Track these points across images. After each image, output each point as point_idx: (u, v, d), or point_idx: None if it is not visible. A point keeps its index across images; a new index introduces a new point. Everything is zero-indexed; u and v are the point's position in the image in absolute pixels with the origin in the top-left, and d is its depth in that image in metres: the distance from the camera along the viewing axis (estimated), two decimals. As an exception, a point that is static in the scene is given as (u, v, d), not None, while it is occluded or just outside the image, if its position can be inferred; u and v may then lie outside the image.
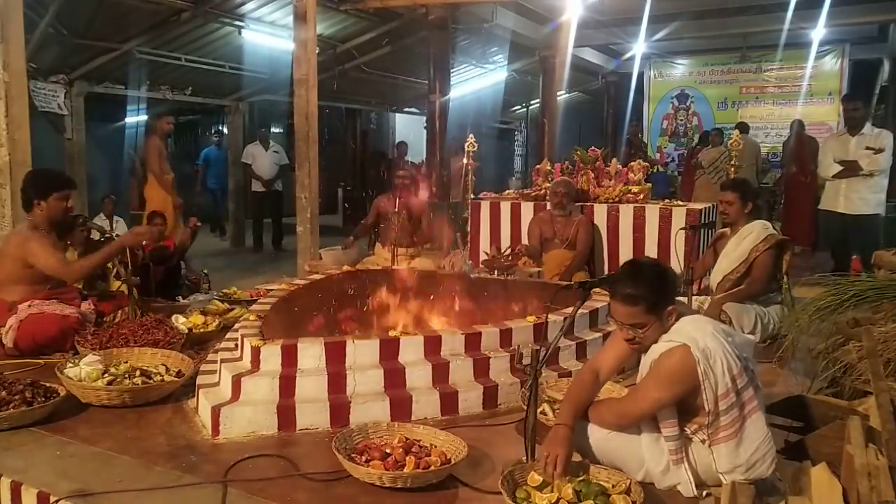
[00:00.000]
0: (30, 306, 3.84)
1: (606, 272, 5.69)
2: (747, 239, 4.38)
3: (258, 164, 10.23)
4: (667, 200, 6.36)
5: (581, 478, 2.23)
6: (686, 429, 2.34)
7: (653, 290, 2.28)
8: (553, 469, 2.19)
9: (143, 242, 4.99)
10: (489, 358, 3.21)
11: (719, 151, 9.54)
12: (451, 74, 9.99)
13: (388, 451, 2.47)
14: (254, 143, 10.55)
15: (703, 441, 2.32)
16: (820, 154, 6.70)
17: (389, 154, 14.32)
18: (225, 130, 12.98)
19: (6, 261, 3.93)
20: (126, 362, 3.38)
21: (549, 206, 5.72)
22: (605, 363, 2.52)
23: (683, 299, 3.56)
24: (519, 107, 18.64)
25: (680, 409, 2.33)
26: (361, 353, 3.06)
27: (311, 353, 3.03)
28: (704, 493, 2.33)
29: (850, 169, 6.20)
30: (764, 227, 4.40)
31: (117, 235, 6.83)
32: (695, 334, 2.27)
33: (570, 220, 5.65)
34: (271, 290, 4.38)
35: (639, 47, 12.27)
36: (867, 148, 6.15)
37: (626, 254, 5.76)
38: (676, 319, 2.34)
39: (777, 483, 2.35)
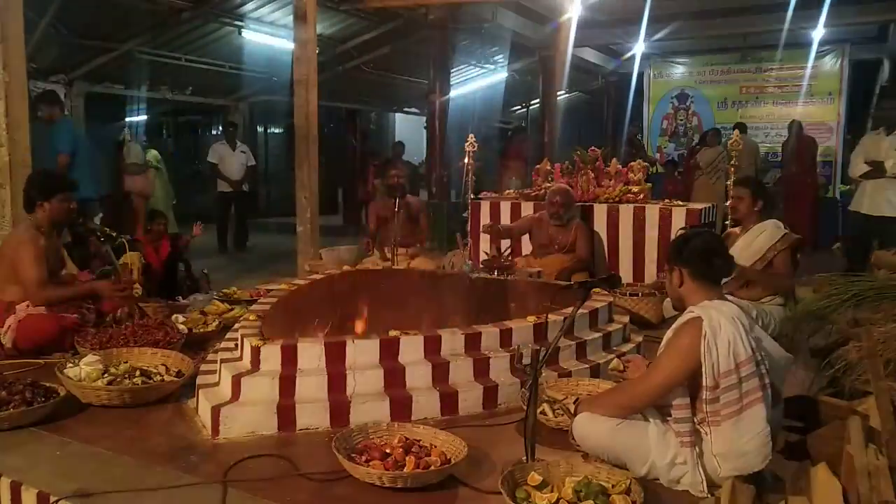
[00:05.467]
0: (28, 306, 3.83)
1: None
2: (760, 237, 4.32)
3: (226, 165, 9.65)
4: (666, 200, 6.36)
5: (580, 478, 2.23)
6: (693, 417, 2.36)
7: (672, 246, 2.64)
8: None
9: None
10: (489, 358, 3.21)
11: (717, 152, 9.53)
12: (451, 74, 10.00)
13: (388, 451, 2.46)
14: (220, 143, 9.94)
15: (706, 434, 2.33)
16: (853, 153, 6.60)
17: (386, 154, 14.16)
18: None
19: (4, 261, 3.92)
20: (126, 362, 3.37)
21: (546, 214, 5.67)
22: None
23: None
24: (519, 107, 18.64)
25: (689, 393, 2.38)
26: (361, 353, 3.05)
27: (311, 353, 3.02)
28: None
29: (876, 170, 6.11)
30: (776, 227, 4.34)
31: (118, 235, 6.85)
32: (713, 311, 2.37)
33: (568, 226, 5.55)
34: (271, 290, 4.37)
35: (639, 47, 12.26)
36: None
37: (626, 254, 5.76)
38: (682, 284, 2.51)
39: (776, 482, 2.35)
